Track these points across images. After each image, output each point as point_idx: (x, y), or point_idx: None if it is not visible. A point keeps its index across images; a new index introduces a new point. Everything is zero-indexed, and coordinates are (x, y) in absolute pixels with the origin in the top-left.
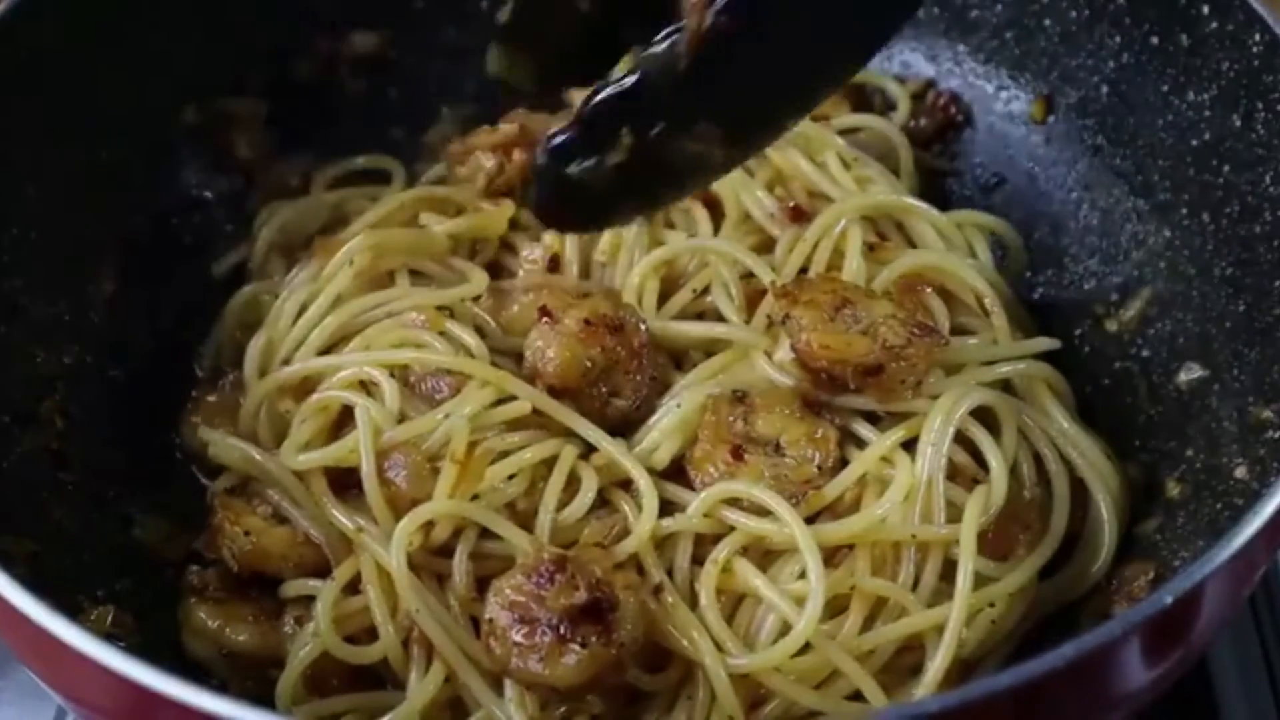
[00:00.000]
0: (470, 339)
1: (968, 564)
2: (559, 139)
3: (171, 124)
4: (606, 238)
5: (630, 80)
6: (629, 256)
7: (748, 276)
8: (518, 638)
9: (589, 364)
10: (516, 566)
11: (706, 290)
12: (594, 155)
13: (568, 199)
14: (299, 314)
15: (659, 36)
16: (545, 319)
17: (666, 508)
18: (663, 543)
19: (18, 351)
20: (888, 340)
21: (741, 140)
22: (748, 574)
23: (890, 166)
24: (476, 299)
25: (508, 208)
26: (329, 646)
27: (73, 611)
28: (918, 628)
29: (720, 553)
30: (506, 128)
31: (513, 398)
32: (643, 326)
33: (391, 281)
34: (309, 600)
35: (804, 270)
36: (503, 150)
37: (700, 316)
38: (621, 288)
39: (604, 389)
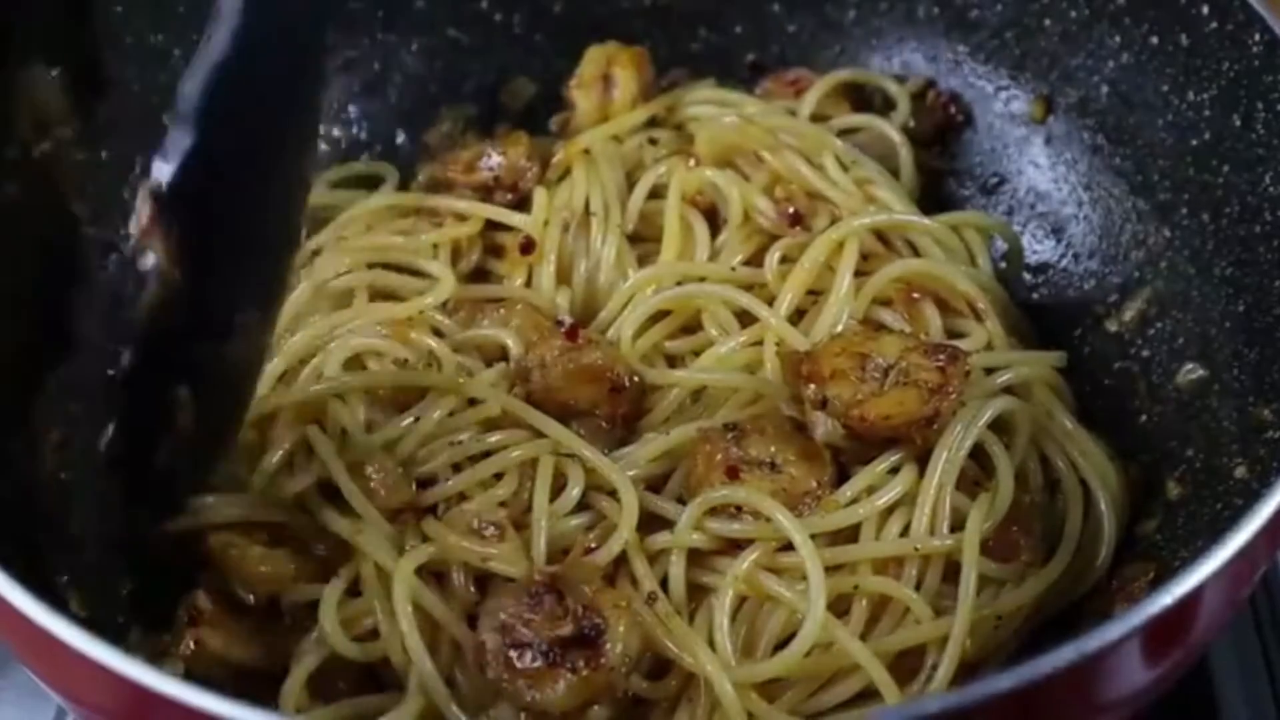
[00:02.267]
0: (432, 342)
1: (971, 573)
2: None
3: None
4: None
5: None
6: (610, 277)
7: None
8: (508, 661)
9: (573, 400)
10: (507, 587)
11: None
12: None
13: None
14: None
15: None
16: (569, 339)
17: (658, 523)
18: (658, 555)
19: (18, 351)
20: (928, 382)
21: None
22: (757, 577)
23: (890, 167)
24: (445, 304)
25: (477, 219)
26: (336, 645)
27: (74, 612)
28: (923, 638)
29: (741, 566)
30: (484, 172)
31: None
32: (640, 386)
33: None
34: (310, 607)
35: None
36: (482, 189)
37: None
38: (613, 331)
39: (575, 426)
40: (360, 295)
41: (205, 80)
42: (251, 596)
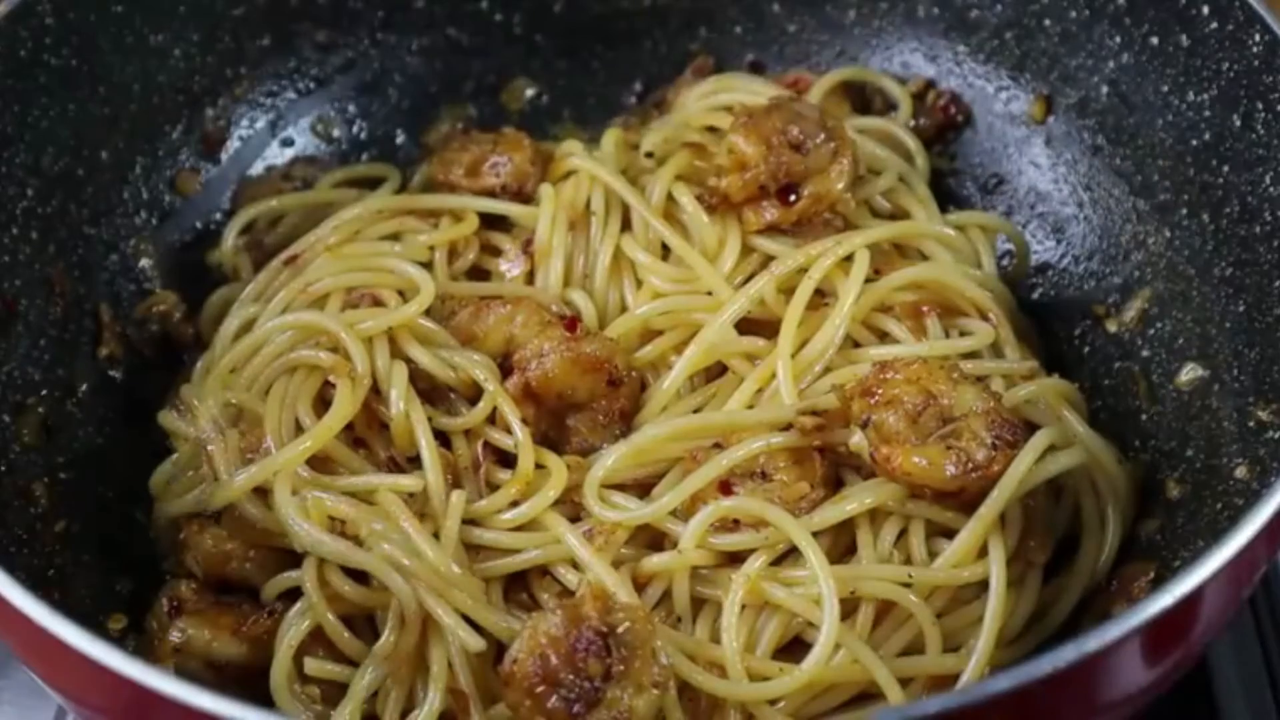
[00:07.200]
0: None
1: (994, 625)
2: None
3: (173, 123)
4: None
5: None
6: (603, 278)
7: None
8: (531, 691)
9: (571, 390)
10: (564, 609)
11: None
12: None
13: None
14: (238, 335)
15: None
16: (569, 331)
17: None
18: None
19: (19, 351)
20: (969, 457)
21: None
22: (765, 586)
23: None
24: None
25: (472, 220)
26: (320, 618)
27: (74, 612)
28: (943, 670)
29: (752, 566)
30: (490, 177)
31: None
32: (638, 381)
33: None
34: (290, 596)
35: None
36: (487, 194)
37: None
38: (614, 331)
39: (569, 420)
40: (335, 299)
41: None
42: (200, 570)
